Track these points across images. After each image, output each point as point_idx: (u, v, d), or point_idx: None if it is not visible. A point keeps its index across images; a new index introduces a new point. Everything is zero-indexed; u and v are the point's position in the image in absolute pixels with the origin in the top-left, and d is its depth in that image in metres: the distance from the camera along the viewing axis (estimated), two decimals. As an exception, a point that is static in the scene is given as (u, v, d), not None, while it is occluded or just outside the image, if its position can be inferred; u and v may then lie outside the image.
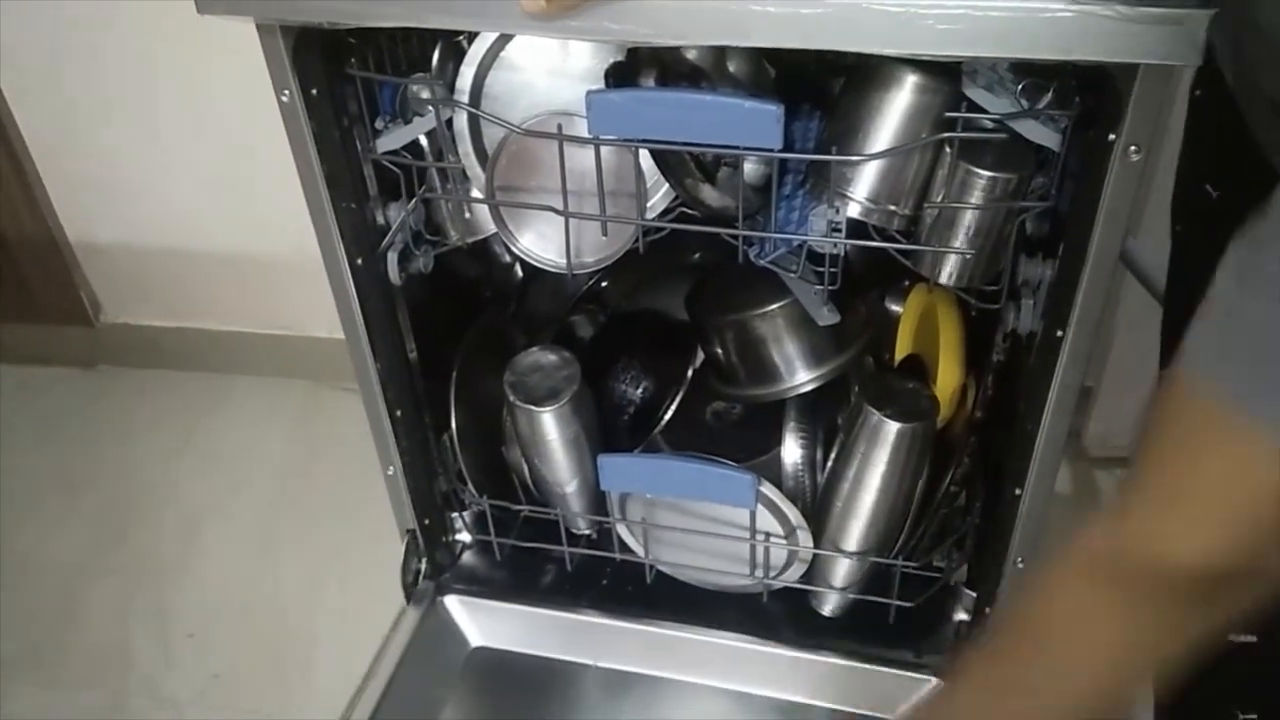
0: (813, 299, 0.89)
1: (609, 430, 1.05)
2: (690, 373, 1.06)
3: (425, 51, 0.86)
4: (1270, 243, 0.44)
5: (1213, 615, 0.51)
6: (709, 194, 0.80)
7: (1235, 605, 0.50)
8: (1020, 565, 0.92)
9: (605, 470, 0.95)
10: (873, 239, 0.80)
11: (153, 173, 1.62)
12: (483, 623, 1.11)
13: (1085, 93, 0.72)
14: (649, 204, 0.82)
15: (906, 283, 1.03)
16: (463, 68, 0.83)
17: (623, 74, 0.76)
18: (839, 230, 0.78)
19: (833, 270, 0.81)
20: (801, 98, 0.85)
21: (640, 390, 1.11)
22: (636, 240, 0.82)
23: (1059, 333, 0.78)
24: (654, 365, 1.11)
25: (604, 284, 1.16)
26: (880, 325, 1.03)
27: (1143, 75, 0.64)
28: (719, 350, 1.01)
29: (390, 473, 1.04)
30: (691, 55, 0.77)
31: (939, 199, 0.78)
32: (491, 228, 0.90)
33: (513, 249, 0.88)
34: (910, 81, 0.74)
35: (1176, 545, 0.48)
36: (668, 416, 1.04)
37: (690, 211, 0.81)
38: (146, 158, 1.61)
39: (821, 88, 0.85)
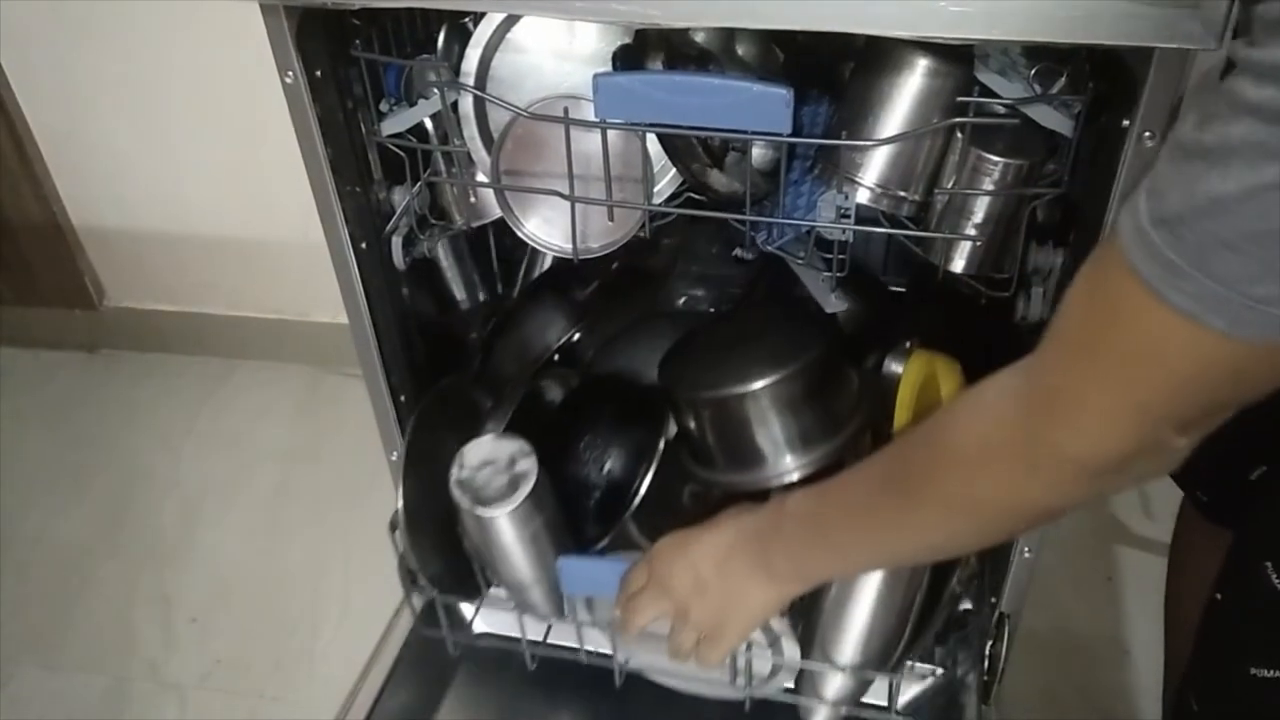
0: (820, 286, 0.89)
1: (574, 513, 0.93)
2: (663, 444, 0.93)
3: (431, 33, 0.85)
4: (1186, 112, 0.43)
5: (1104, 491, 0.55)
6: (716, 179, 0.79)
7: (1127, 484, 0.54)
8: (1028, 554, 0.91)
9: (566, 575, 0.87)
10: (882, 225, 0.79)
11: (156, 158, 1.62)
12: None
13: (1099, 77, 0.71)
14: (656, 189, 0.81)
15: (909, 344, 0.91)
16: (468, 50, 0.82)
17: (630, 57, 0.75)
18: (848, 216, 0.77)
19: (841, 257, 0.81)
20: (811, 82, 0.84)
21: (608, 469, 0.96)
22: (643, 226, 0.82)
23: (1069, 321, 0.77)
24: (625, 438, 0.96)
25: (575, 337, 1.05)
26: (881, 391, 0.89)
27: (1158, 60, 0.63)
28: (694, 428, 0.87)
29: (394, 458, 1.04)
30: (699, 38, 0.77)
31: (950, 185, 0.77)
32: (497, 212, 0.89)
33: (518, 233, 0.88)
34: (921, 65, 0.73)
35: (1084, 440, 0.51)
36: (638, 499, 0.91)
37: (697, 196, 0.80)
38: (150, 143, 1.60)
39: (831, 72, 0.84)
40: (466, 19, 0.83)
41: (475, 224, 0.95)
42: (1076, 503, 0.56)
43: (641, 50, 0.74)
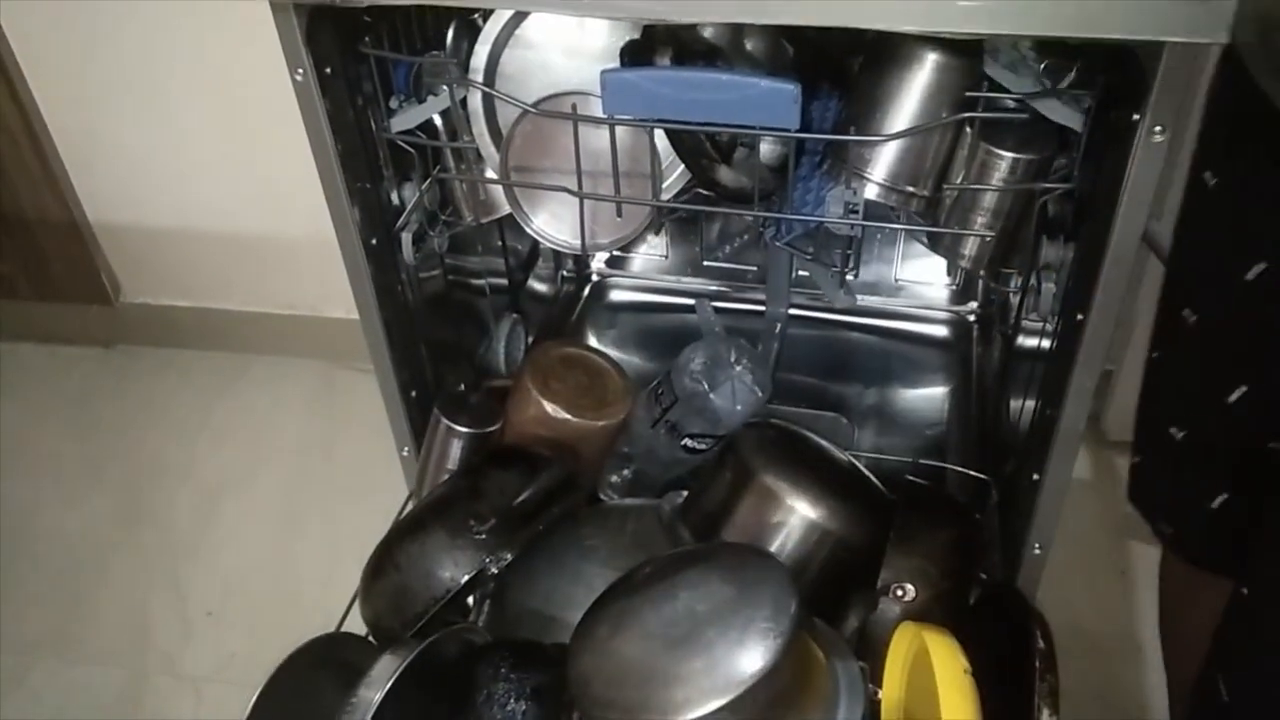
0: (828, 281, 0.89)
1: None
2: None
3: (440, 30, 0.85)
4: None
5: None
6: (725, 175, 0.79)
7: None
8: (1038, 551, 0.91)
9: None
10: (890, 220, 0.79)
11: (171, 155, 1.63)
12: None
13: (1109, 72, 0.70)
14: (664, 184, 0.81)
15: (897, 591, 0.77)
16: (477, 46, 0.82)
17: (638, 53, 0.75)
18: (856, 212, 0.77)
19: (849, 252, 0.80)
20: (819, 77, 0.84)
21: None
22: (651, 220, 0.82)
23: (1080, 316, 0.76)
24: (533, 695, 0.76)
25: (493, 570, 0.83)
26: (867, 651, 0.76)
27: (1168, 54, 0.62)
28: None
29: (405, 453, 1.04)
30: (708, 34, 0.76)
31: (959, 180, 0.77)
32: (506, 208, 0.89)
33: (527, 229, 0.88)
34: (931, 60, 0.73)
35: None
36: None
37: (705, 192, 0.80)
38: (165, 140, 1.61)
39: (840, 67, 0.84)
40: (476, 15, 0.83)
41: (485, 220, 0.96)
42: None
43: (650, 46, 0.74)
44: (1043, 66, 0.71)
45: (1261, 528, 0.74)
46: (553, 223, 0.87)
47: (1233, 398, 0.75)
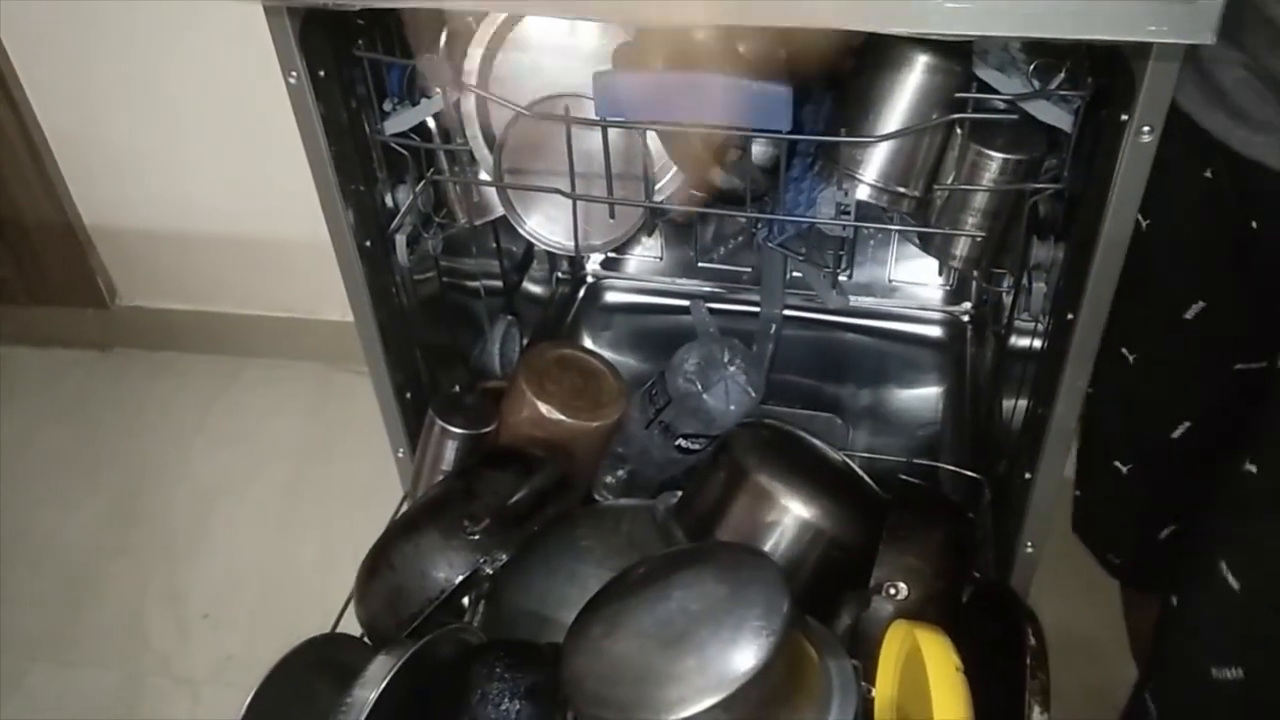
0: (821, 281, 0.89)
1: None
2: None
3: (434, 31, 0.86)
4: None
5: None
6: (717, 176, 0.79)
7: None
8: (1030, 549, 0.91)
9: None
10: (882, 221, 0.79)
11: (167, 158, 1.63)
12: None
13: (1098, 73, 0.71)
14: (657, 186, 0.82)
15: (889, 589, 0.77)
16: (470, 49, 0.83)
17: (630, 56, 0.75)
18: (848, 212, 0.77)
19: (841, 253, 0.81)
20: (810, 78, 0.84)
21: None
22: (644, 221, 0.82)
23: (1070, 315, 0.77)
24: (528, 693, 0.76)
25: (488, 570, 0.83)
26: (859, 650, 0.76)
27: (1156, 54, 0.63)
28: None
29: (400, 455, 1.05)
30: (700, 36, 0.77)
31: (949, 181, 0.77)
32: (500, 210, 0.90)
33: (520, 231, 0.88)
34: (921, 62, 0.73)
35: None
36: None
37: (698, 194, 0.81)
38: (160, 143, 1.61)
39: (832, 68, 0.85)
40: (469, 19, 0.84)
41: (478, 222, 0.96)
42: None
43: (642, 49, 0.75)
44: (1032, 68, 0.71)
45: (1193, 539, 0.74)
46: (546, 224, 0.87)
47: (1177, 433, 0.76)
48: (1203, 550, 0.71)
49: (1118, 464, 0.81)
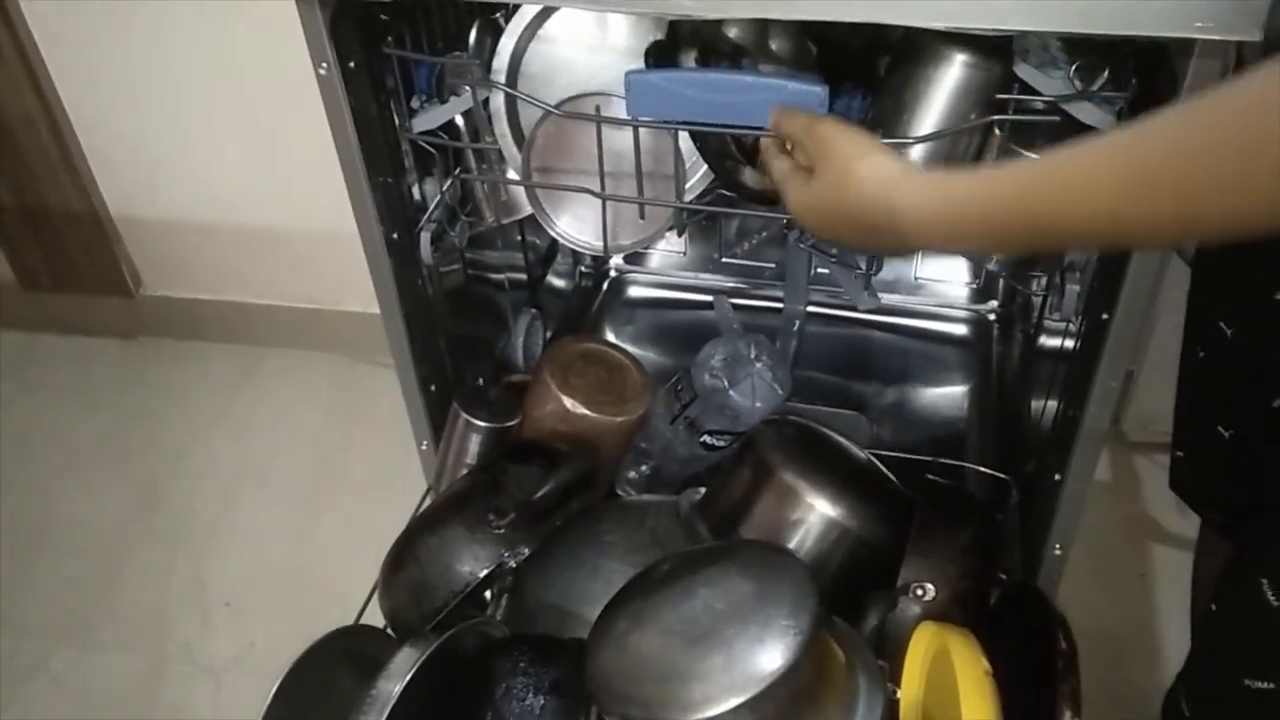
0: (853, 283, 0.88)
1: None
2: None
3: (462, 28, 0.85)
4: None
5: None
6: (749, 176, 0.78)
7: None
8: (1058, 551, 0.91)
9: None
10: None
11: (192, 149, 1.64)
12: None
13: (1140, 73, 0.70)
14: (687, 185, 0.81)
15: (917, 591, 0.76)
16: (500, 44, 0.82)
17: (663, 53, 0.75)
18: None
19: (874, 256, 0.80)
20: (844, 76, 0.83)
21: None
22: (674, 221, 0.82)
23: (1105, 315, 0.76)
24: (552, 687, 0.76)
25: (512, 564, 0.83)
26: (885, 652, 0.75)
27: (1199, 51, 0.62)
28: None
29: (424, 447, 1.05)
30: (733, 33, 0.76)
31: (985, 181, 0.76)
32: (527, 209, 0.89)
33: (549, 231, 0.88)
34: (959, 60, 0.73)
35: None
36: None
37: (729, 194, 0.80)
38: (186, 134, 1.62)
39: (866, 66, 0.84)
40: (498, 14, 0.83)
41: (505, 221, 0.96)
42: None
43: (674, 46, 0.74)
44: (1074, 68, 0.70)
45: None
46: (575, 224, 0.87)
47: (1277, 403, 0.75)
48: (1248, 563, 0.71)
49: (1220, 429, 0.81)
